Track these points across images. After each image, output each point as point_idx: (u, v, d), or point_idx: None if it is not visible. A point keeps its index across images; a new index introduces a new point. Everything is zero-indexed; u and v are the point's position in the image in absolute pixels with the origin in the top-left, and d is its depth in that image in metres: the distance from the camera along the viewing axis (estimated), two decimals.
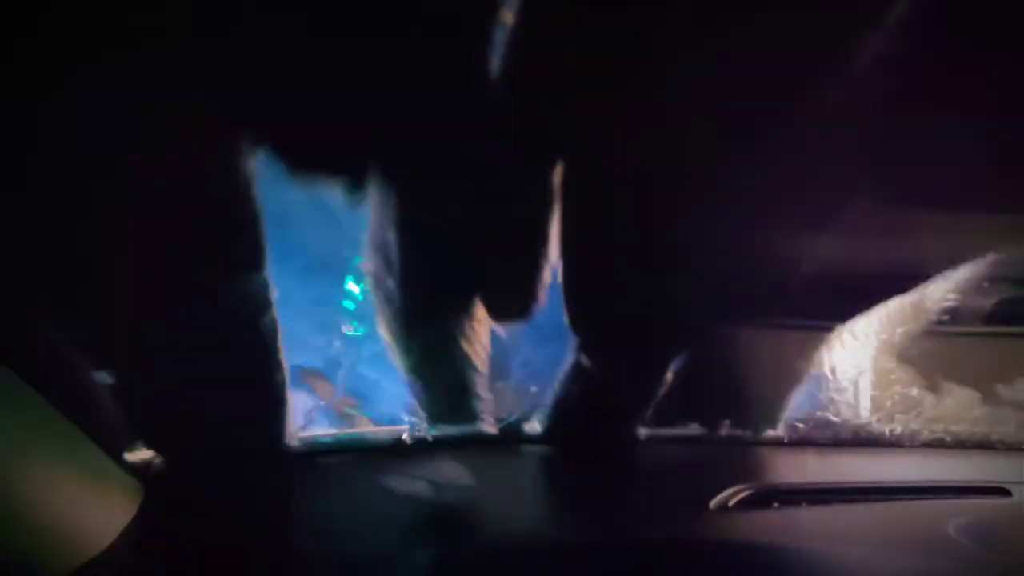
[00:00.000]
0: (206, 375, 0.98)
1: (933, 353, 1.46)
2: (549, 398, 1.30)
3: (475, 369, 1.16)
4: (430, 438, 1.23)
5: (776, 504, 1.11)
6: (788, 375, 1.30)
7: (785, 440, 1.35)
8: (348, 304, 1.52)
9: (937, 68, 0.82)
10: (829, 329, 1.23)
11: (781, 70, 0.82)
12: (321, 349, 1.65)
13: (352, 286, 1.47)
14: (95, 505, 0.90)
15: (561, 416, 1.27)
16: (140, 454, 1.03)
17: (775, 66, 0.82)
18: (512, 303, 1.10)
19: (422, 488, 1.14)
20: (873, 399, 1.51)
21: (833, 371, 1.51)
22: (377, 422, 1.32)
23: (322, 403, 1.53)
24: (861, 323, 1.33)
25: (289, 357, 1.07)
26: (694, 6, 0.80)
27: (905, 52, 0.80)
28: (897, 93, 0.85)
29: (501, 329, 1.19)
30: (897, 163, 0.93)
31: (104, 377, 0.95)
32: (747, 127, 0.87)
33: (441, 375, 1.17)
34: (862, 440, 1.37)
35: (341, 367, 1.63)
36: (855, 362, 1.54)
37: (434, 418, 1.23)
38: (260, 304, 0.97)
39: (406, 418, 1.26)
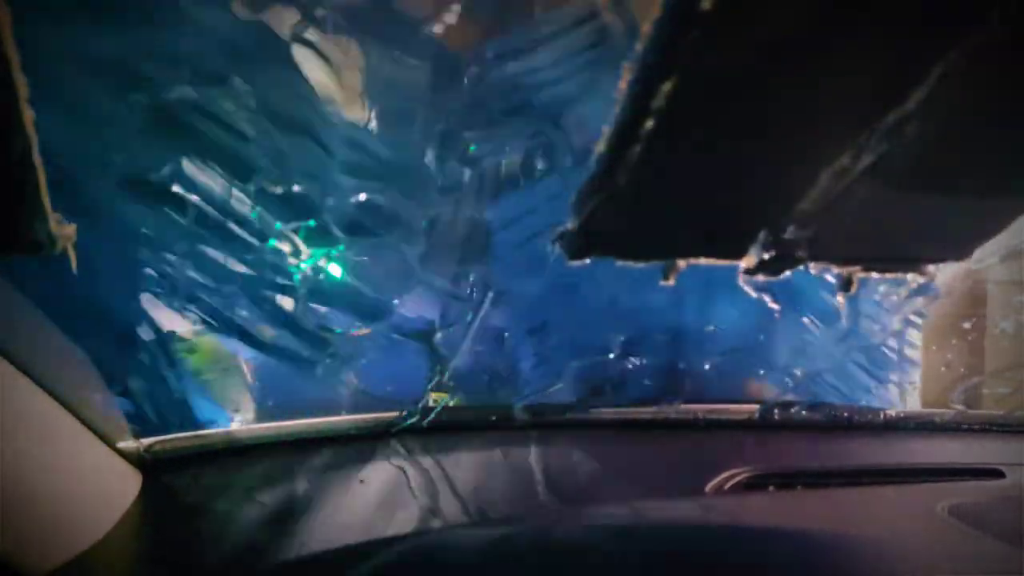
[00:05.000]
0: None
1: None
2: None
3: None
4: (424, 423, 1.24)
5: (771, 487, 1.12)
6: None
7: (780, 424, 1.35)
8: None
9: None
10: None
11: None
12: None
13: None
14: (93, 494, 0.90)
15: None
16: (137, 444, 1.03)
17: None
18: None
19: (415, 473, 1.15)
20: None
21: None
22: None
23: None
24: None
25: None
26: None
27: None
28: None
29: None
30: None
31: None
32: None
33: None
34: (857, 423, 1.38)
35: None
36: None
37: None
38: None
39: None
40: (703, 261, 1.03)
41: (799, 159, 0.92)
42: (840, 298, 1.51)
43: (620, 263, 1.06)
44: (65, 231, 0.86)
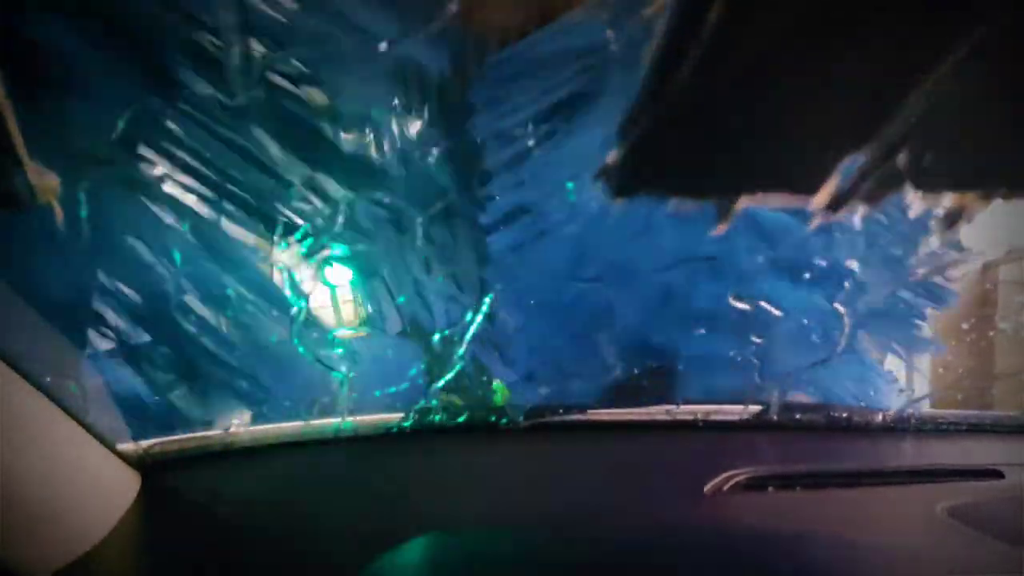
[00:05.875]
0: None
1: None
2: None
3: None
4: (423, 425, 1.24)
5: (770, 489, 1.12)
6: None
7: (780, 425, 1.35)
8: None
9: None
10: None
11: None
12: None
13: None
14: (93, 496, 0.90)
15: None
16: (136, 445, 1.03)
17: None
18: None
19: (414, 475, 1.15)
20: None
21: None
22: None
23: None
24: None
25: None
26: None
27: None
28: None
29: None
30: None
31: None
32: None
33: None
34: (856, 425, 1.38)
35: None
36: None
37: None
38: None
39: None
40: (769, 200, 0.83)
41: (887, 72, 0.71)
42: (841, 308, 1.51)
43: (673, 203, 0.85)
44: (46, 181, 0.77)
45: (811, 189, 0.83)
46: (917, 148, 0.80)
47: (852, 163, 0.82)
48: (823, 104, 0.77)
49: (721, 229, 0.87)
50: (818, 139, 0.81)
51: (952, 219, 0.98)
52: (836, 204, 0.85)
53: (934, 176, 0.85)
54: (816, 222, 0.90)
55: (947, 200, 0.95)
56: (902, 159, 0.82)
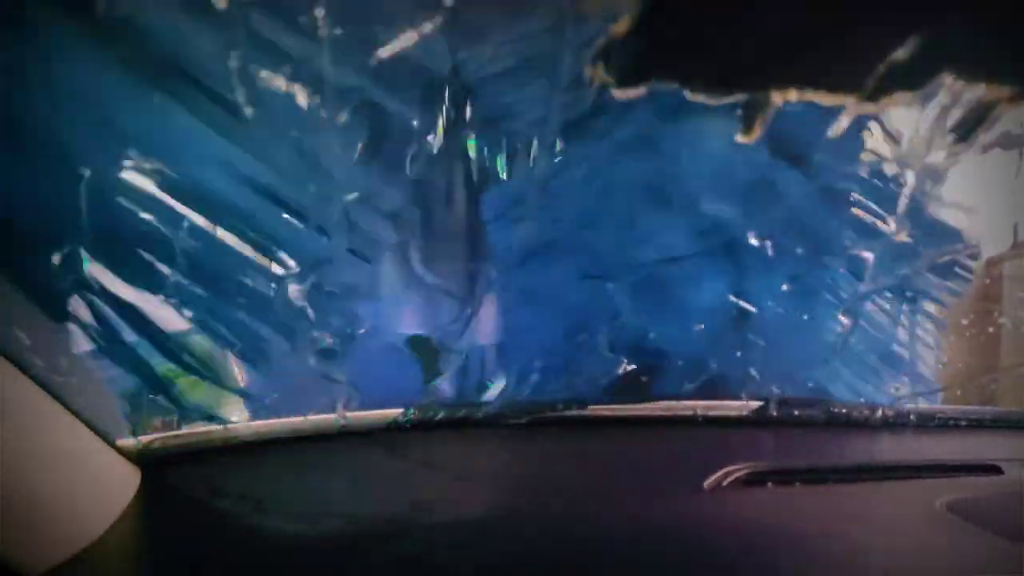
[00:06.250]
0: None
1: None
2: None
3: None
4: (423, 420, 1.24)
5: (770, 484, 1.12)
6: None
7: (779, 421, 1.35)
8: None
9: None
10: None
11: None
12: None
13: None
14: (92, 491, 0.91)
15: None
16: (135, 440, 1.03)
17: None
18: None
19: (414, 470, 1.15)
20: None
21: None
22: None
23: None
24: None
25: None
26: None
27: None
28: None
29: None
30: None
31: None
32: None
33: None
34: (856, 420, 1.38)
35: None
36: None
37: None
38: None
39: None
40: (806, 95, 0.70)
41: None
42: (844, 319, 1.51)
43: (690, 95, 0.69)
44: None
45: (851, 84, 0.74)
46: (964, 29, 0.75)
47: (892, 55, 0.73)
48: None
49: (751, 138, 0.77)
50: (864, 23, 0.72)
51: (976, 120, 0.87)
52: (875, 96, 0.77)
53: (974, 63, 0.77)
54: (845, 123, 0.79)
55: (980, 91, 0.84)
56: (949, 41, 0.74)
